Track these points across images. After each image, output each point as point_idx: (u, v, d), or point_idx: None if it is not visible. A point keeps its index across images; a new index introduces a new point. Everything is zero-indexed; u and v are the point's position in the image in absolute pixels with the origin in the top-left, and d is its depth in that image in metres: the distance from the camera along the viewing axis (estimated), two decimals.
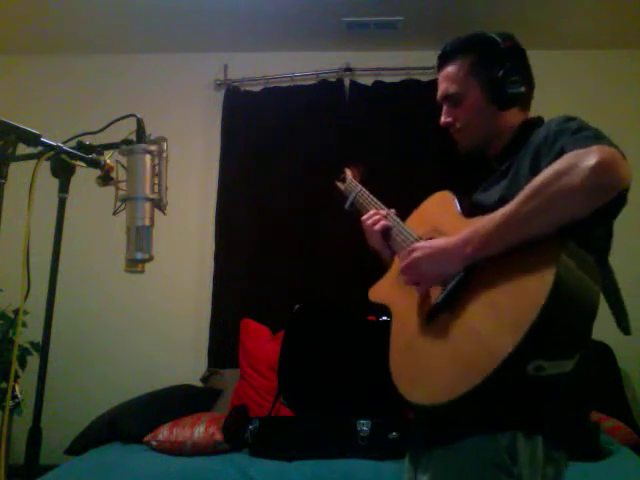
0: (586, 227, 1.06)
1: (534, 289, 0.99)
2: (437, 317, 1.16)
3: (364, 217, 1.51)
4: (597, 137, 1.08)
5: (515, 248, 1.07)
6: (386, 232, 1.45)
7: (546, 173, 1.05)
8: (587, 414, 1.29)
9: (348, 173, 1.72)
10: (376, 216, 1.48)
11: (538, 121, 1.34)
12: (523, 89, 1.32)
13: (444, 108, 1.41)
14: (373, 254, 1.53)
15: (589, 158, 1.01)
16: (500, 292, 1.06)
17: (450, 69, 1.38)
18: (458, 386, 1.03)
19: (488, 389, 1.00)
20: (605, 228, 1.19)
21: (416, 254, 1.22)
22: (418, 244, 1.24)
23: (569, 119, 1.18)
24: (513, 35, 1.37)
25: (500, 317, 1.04)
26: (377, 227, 1.46)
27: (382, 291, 1.45)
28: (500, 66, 1.31)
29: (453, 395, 1.03)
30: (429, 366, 1.15)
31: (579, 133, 1.11)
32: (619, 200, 1.03)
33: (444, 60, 1.40)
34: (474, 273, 1.13)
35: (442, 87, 1.40)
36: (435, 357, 1.14)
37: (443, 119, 1.41)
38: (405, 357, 1.23)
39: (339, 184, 1.72)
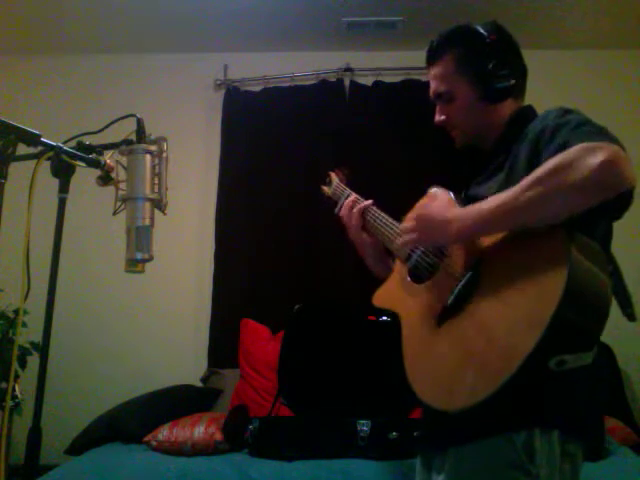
0: (593, 220, 1.06)
1: (548, 284, 0.98)
2: (449, 319, 1.15)
3: (338, 208, 1.52)
4: (602, 133, 1.06)
5: (520, 242, 1.06)
6: (365, 219, 1.48)
7: (550, 164, 1.03)
8: (602, 407, 1.28)
9: (334, 177, 1.70)
10: (350, 201, 1.49)
11: (529, 111, 1.32)
12: (513, 82, 1.30)
13: (437, 107, 1.40)
14: (358, 256, 1.52)
15: (595, 155, 0.98)
16: (512, 290, 1.05)
17: (438, 67, 1.37)
18: (481, 389, 1.01)
19: (511, 389, 0.98)
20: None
21: (424, 210, 1.22)
22: (422, 212, 1.23)
23: (567, 111, 1.17)
24: (500, 25, 1.35)
25: (515, 315, 1.02)
26: (355, 210, 1.47)
27: (387, 296, 1.43)
28: (487, 61, 1.29)
29: (478, 398, 1.02)
30: (448, 371, 1.13)
31: (582, 127, 1.09)
32: (626, 200, 1.02)
33: (432, 58, 1.39)
34: (482, 272, 1.12)
35: (432, 86, 1.39)
36: (452, 361, 1.12)
37: (436, 118, 1.40)
38: (421, 363, 1.21)
39: (325, 188, 1.71)
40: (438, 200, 1.27)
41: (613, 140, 1.04)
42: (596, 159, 0.98)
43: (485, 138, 1.36)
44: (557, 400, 1.12)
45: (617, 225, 1.21)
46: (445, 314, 1.16)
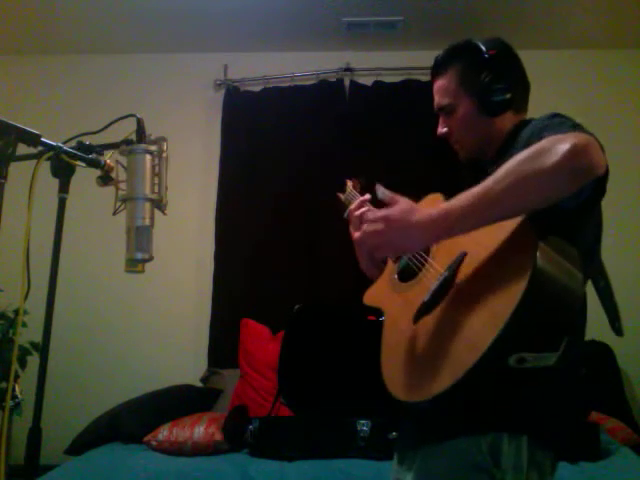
0: (569, 218, 1.06)
1: (513, 281, 0.99)
2: (424, 317, 1.17)
3: (346, 212, 1.48)
4: (575, 126, 1.10)
5: (495, 243, 1.07)
6: None
7: (522, 154, 1.05)
8: (583, 414, 1.29)
9: (349, 184, 1.74)
10: (355, 206, 1.43)
11: (528, 123, 1.33)
12: (509, 95, 1.32)
13: (440, 119, 1.44)
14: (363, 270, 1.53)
15: (564, 142, 1.01)
16: (482, 287, 1.07)
17: (441, 81, 1.41)
18: (441, 382, 1.03)
19: (471, 384, 0.99)
20: (593, 220, 1.19)
21: (391, 210, 1.12)
22: (389, 212, 1.13)
23: (554, 115, 1.19)
24: (502, 40, 1.38)
25: (482, 311, 1.04)
26: (356, 214, 1.42)
27: (376, 294, 1.47)
28: (484, 75, 1.32)
29: (436, 391, 1.03)
30: (415, 365, 1.15)
31: (560, 126, 1.12)
32: (598, 189, 1.04)
33: (436, 72, 1.42)
34: (460, 270, 1.14)
35: (436, 99, 1.42)
36: (420, 356, 1.14)
37: (439, 130, 1.43)
38: (393, 358, 1.23)
39: (340, 195, 1.74)
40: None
41: (586, 132, 1.07)
42: (565, 145, 1.01)
43: (486, 152, 1.38)
44: (527, 406, 1.12)
45: (611, 237, 1.21)
46: (421, 311, 1.17)
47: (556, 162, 1.00)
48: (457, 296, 1.11)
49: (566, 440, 1.22)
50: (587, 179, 1.01)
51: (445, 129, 1.42)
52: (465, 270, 1.13)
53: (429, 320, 1.15)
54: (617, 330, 1.15)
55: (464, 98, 1.36)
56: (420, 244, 1.13)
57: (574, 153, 1.00)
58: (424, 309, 1.16)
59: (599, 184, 1.04)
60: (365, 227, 1.13)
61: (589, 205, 1.11)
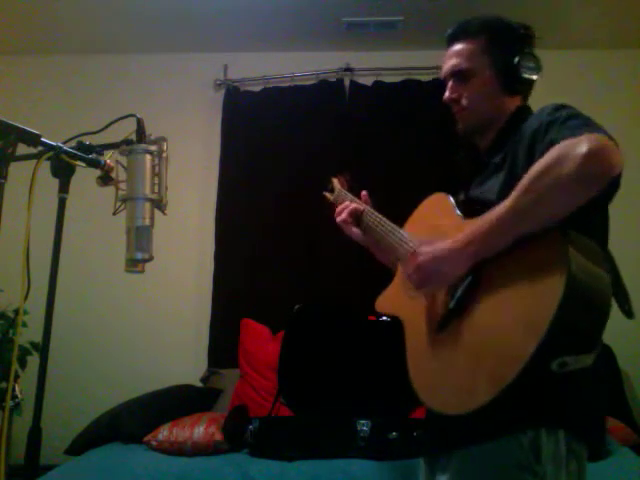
0: (584, 216, 1.06)
1: (548, 286, 0.98)
2: (450, 324, 1.15)
3: (337, 210, 1.56)
4: (587, 125, 1.08)
5: (518, 245, 1.06)
6: (358, 217, 1.52)
7: (538, 166, 1.05)
8: (605, 408, 1.28)
9: (335, 182, 1.71)
10: (343, 206, 1.55)
11: (526, 110, 1.34)
12: (536, 77, 1.33)
13: (450, 84, 1.39)
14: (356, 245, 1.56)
15: (579, 147, 1.00)
16: (512, 293, 1.05)
17: (464, 45, 1.37)
18: (483, 392, 1.02)
19: (513, 391, 0.99)
20: (602, 212, 1.19)
21: (421, 258, 1.20)
22: (422, 248, 1.22)
23: (559, 107, 1.18)
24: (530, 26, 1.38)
25: (516, 318, 1.02)
26: (344, 215, 1.52)
27: (389, 302, 1.44)
28: (518, 51, 1.32)
29: (479, 402, 1.02)
30: (450, 375, 1.13)
31: (568, 122, 1.11)
32: (613, 186, 1.04)
33: (457, 36, 1.39)
34: (481, 276, 1.12)
35: (451, 62, 1.38)
36: (455, 365, 1.12)
37: (448, 94, 1.39)
38: (424, 368, 1.21)
39: (327, 195, 1.72)
40: (436, 219, 1.30)
41: (597, 130, 1.05)
42: (580, 151, 1.00)
43: (485, 130, 1.36)
44: (562, 400, 1.12)
45: (613, 220, 1.21)
46: (447, 318, 1.16)
47: (575, 171, 0.99)
48: (484, 302, 1.09)
49: (598, 432, 1.22)
50: (607, 181, 1.01)
51: (454, 95, 1.38)
52: (489, 273, 1.11)
53: (458, 328, 1.13)
54: (627, 312, 1.12)
55: (486, 68, 1.34)
56: (456, 270, 1.15)
57: (591, 159, 0.99)
58: (450, 316, 1.15)
59: (613, 180, 1.03)
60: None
61: (604, 201, 1.10)
